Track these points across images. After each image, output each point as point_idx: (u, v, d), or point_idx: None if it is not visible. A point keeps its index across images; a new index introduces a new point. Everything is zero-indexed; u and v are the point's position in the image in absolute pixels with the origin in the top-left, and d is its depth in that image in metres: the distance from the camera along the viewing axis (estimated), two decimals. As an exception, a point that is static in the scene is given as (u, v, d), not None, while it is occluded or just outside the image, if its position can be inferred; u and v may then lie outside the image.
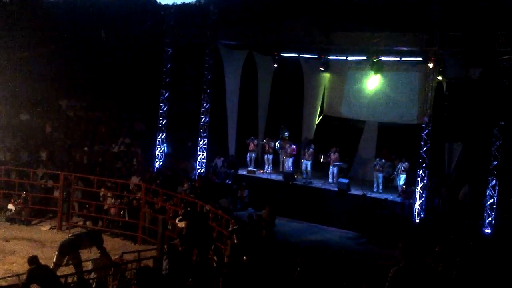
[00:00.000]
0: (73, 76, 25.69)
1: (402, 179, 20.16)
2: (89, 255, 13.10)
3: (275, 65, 22.90)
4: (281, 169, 22.69)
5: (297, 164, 22.67)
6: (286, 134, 22.88)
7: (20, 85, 23.70)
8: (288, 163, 22.15)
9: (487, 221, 17.92)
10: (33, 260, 10.76)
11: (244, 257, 12.44)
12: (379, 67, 20.38)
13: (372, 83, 22.32)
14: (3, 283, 11.65)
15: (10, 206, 19.10)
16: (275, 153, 23.04)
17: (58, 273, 11.39)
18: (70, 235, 12.05)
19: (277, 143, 22.74)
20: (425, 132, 18.66)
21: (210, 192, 19.83)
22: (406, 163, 20.06)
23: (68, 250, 12.11)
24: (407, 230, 17.47)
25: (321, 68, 22.19)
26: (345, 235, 19.05)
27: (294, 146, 22.35)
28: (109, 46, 23.14)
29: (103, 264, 13.41)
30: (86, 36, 23.75)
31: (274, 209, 17.66)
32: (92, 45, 24.03)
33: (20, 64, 23.34)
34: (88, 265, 12.79)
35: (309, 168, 21.92)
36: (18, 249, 16.11)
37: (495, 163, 17.89)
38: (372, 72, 21.17)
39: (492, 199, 17.93)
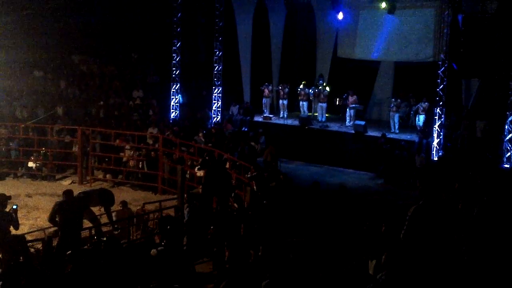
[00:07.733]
0: (83, 31, 25.49)
1: (421, 119, 19.98)
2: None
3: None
4: (302, 114, 22.43)
5: (310, 108, 22.54)
6: (321, 81, 22.35)
7: (29, 42, 23.55)
8: (323, 109, 21.99)
9: (506, 156, 17.83)
10: (67, 193, 10.94)
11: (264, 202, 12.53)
12: (392, 5, 19.90)
13: (386, 22, 21.84)
14: (29, 238, 11.90)
15: (30, 164, 19.34)
16: (290, 98, 22.88)
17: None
18: (79, 192, 12.07)
19: (311, 90, 22.27)
20: (441, 70, 18.38)
21: (227, 140, 19.86)
22: (426, 103, 19.83)
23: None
24: (425, 169, 17.44)
25: (333, 10, 21.63)
26: (363, 177, 19.11)
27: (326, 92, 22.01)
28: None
29: (126, 215, 13.68)
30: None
31: (277, 150, 17.86)
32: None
33: (25, 22, 23.08)
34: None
35: (324, 111, 21.85)
36: (41, 204, 16.45)
37: (513, 97, 17.67)
38: (386, 11, 20.71)
39: (511, 134, 17.78)
